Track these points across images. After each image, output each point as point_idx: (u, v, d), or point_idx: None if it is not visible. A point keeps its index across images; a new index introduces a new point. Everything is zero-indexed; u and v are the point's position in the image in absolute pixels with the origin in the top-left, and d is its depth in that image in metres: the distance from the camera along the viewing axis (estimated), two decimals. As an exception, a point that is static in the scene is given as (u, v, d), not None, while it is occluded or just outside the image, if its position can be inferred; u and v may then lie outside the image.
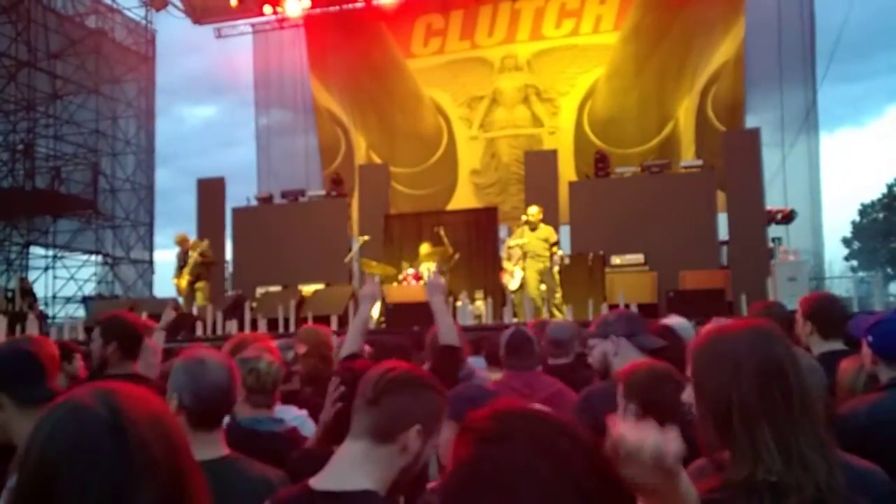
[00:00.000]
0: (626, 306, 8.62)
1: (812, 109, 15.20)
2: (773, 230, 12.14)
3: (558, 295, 9.72)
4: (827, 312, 3.08)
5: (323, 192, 13.24)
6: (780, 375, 1.40)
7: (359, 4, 17.38)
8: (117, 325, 3.03)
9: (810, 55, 15.09)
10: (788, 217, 12.83)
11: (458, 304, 9.89)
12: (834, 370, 2.54)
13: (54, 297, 18.41)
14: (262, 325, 9.16)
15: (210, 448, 1.99)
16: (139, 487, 0.88)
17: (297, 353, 3.32)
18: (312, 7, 17.43)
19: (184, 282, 10.79)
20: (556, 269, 9.84)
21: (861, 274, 30.15)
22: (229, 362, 2.13)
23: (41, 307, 15.39)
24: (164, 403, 0.99)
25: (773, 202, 12.83)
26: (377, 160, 16.50)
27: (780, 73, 15.12)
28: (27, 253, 18.02)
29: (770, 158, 13.24)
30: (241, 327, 9.45)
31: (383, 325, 9.16)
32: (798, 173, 15.11)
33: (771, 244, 11.35)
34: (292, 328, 8.88)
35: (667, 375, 2.22)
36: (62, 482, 0.87)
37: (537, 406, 0.92)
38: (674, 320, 3.39)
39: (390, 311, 9.12)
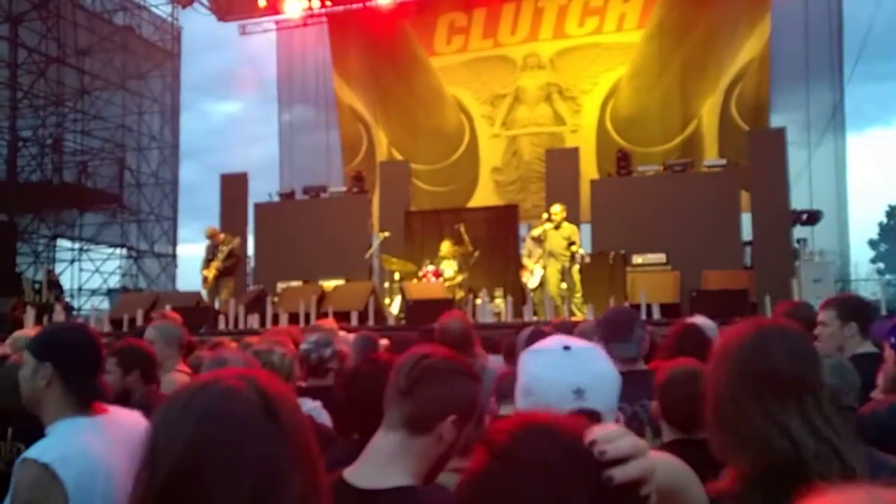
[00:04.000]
0: (648, 306, 8.59)
1: (839, 108, 14.99)
2: (798, 231, 12.01)
3: (578, 294, 9.70)
4: (869, 313, 3.07)
5: (344, 189, 13.32)
6: (776, 376, 1.40)
7: (382, 2, 17.43)
8: (135, 354, 3.06)
9: (838, 54, 14.87)
10: (814, 218, 12.69)
11: (478, 302, 9.91)
12: (873, 370, 2.52)
13: (80, 289, 18.71)
14: (284, 320, 9.22)
15: None
16: (293, 469, 0.89)
17: (336, 351, 3.31)
18: (335, 4, 17.51)
19: (210, 274, 10.86)
20: (576, 267, 9.81)
21: (888, 276, 29.69)
22: (246, 360, 2.15)
23: (67, 299, 15.63)
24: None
25: (798, 202, 12.69)
26: (399, 157, 16.55)
27: (806, 72, 14.91)
28: (54, 245, 18.31)
29: (795, 158, 13.08)
30: (262, 322, 9.53)
31: (403, 322, 9.19)
32: (824, 173, 14.91)
33: (796, 245, 11.22)
34: (313, 323, 8.93)
35: (689, 376, 2.22)
36: (220, 463, 0.86)
37: (564, 419, 0.89)
38: (699, 320, 3.38)
39: (410, 307, 9.15)
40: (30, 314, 10.25)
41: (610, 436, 0.84)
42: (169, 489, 0.87)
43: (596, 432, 0.84)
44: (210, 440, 0.87)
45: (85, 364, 2.00)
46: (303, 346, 3.16)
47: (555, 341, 1.40)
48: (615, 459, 0.82)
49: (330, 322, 4.52)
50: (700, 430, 2.20)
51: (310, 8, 17.32)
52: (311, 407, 2.74)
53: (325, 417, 2.77)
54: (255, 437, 0.88)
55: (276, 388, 0.95)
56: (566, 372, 1.32)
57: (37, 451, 1.83)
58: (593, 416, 1.27)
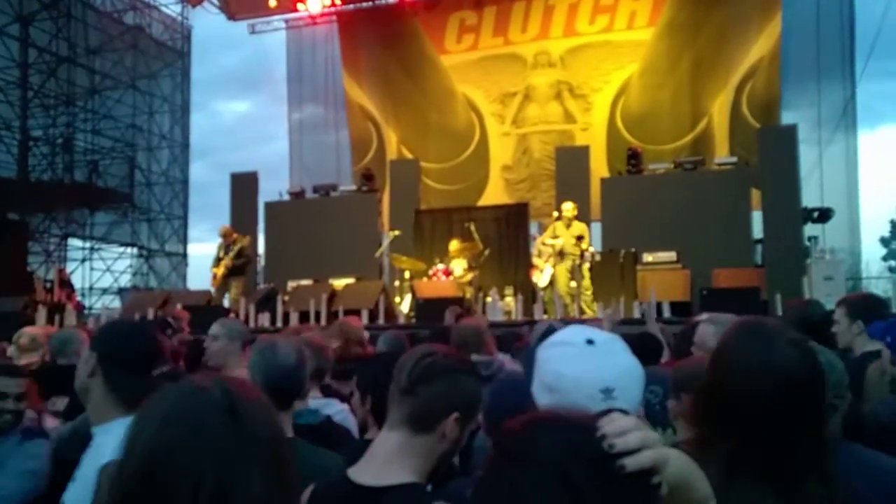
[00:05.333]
0: (659, 304, 8.57)
1: (850, 105, 14.90)
2: (809, 229, 11.95)
3: (588, 292, 9.69)
4: (876, 312, 3.05)
5: (354, 187, 13.31)
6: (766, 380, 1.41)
7: (392, 0, 17.43)
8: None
9: (849, 50, 14.80)
10: (825, 215, 12.63)
11: (489, 300, 9.91)
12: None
13: (91, 288, 18.78)
14: (294, 319, 9.25)
15: None
16: (251, 469, 0.89)
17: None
18: (345, 3, 17.54)
19: (220, 272, 10.90)
20: (586, 265, 9.80)
21: (900, 274, 29.43)
22: (300, 348, 2.17)
23: (78, 298, 15.70)
24: (259, 390, 1.01)
25: (809, 200, 12.63)
26: (408, 155, 16.57)
27: (817, 69, 14.84)
28: (65, 245, 18.38)
29: (806, 156, 13.02)
30: (272, 320, 9.56)
31: (413, 321, 9.20)
32: (835, 171, 14.83)
33: (807, 243, 11.17)
34: (324, 322, 8.95)
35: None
36: (177, 465, 0.87)
37: (571, 414, 0.89)
38: (711, 317, 3.35)
39: (420, 305, 9.16)
40: (41, 313, 10.30)
41: (620, 429, 0.85)
42: (135, 488, 0.89)
43: (606, 427, 0.85)
44: (170, 441, 0.89)
45: (130, 361, 1.95)
46: None
47: (575, 333, 1.33)
48: (625, 452, 0.83)
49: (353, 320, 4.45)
50: None
51: (333, 4, 17.37)
52: (338, 410, 2.74)
53: (351, 421, 2.76)
54: (215, 439, 0.89)
55: (245, 390, 0.96)
56: (592, 369, 1.25)
57: (115, 453, 1.83)
58: None
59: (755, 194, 11.25)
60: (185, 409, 0.91)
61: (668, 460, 0.89)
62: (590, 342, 1.28)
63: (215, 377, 0.97)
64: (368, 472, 1.48)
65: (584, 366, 1.26)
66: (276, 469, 0.92)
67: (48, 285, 13.93)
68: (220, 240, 11.30)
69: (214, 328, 3.33)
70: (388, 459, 1.48)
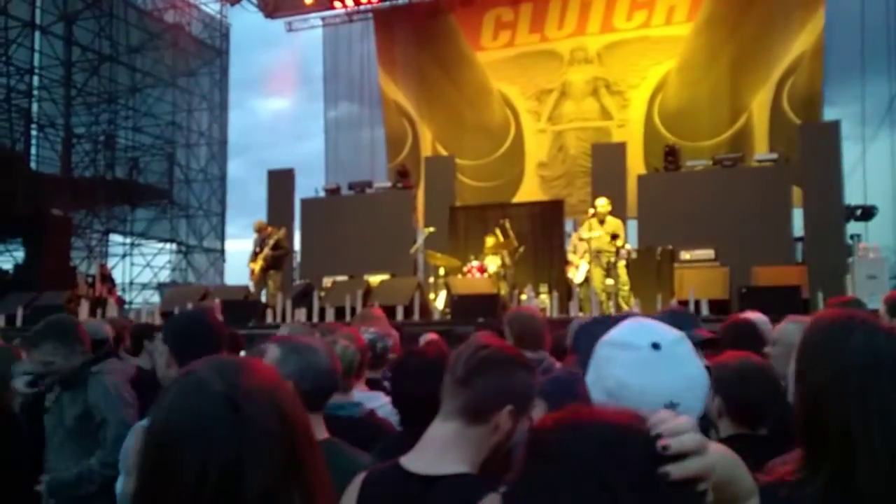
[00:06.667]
0: (696, 302, 8.46)
1: (896, 101, 14.57)
2: (852, 227, 11.73)
3: (626, 287, 9.59)
4: None
5: (389, 184, 13.37)
6: (881, 373, 1.34)
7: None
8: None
9: (895, 44, 14.45)
10: (868, 213, 12.37)
11: (524, 297, 9.87)
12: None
13: (131, 283, 19.17)
14: (330, 314, 9.32)
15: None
16: (256, 460, 0.90)
17: (396, 344, 3.30)
18: (381, 0, 17.62)
19: (257, 267, 11.03)
20: (622, 263, 9.70)
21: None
22: (331, 349, 2.20)
23: (119, 293, 16.03)
24: (280, 379, 1.00)
25: (852, 198, 12.39)
26: (443, 152, 16.58)
27: (861, 64, 14.55)
28: (107, 240, 18.78)
29: (849, 152, 12.74)
30: (309, 315, 9.65)
31: (448, 317, 9.21)
32: (879, 167, 14.53)
33: (849, 241, 10.94)
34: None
35: (756, 372, 2.19)
36: (184, 457, 0.89)
37: (609, 412, 0.85)
38: (753, 316, 3.32)
39: (455, 302, 9.16)
40: (84, 307, 10.55)
41: (675, 429, 0.80)
42: (151, 476, 0.93)
43: (661, 426, 0.80)
44: (175, 434, 0.91)
45: (197, 349, 2.06)
46: (367, 336, 3.15)
47: (639, 333, 1.26)
48: (674, 455, 0.78)
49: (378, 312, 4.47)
50: (763, 426, 2.17)
51: (369, 1, 17.48)
52: (382, 405, 2.74)
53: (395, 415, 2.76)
54: (216, 432, 0.90)
55: (255, 379, 0.95)
56: (657, 380, 1.20)
57: None
58: None
59: (796, 191, 11.06)
60: (186, 404, 0.93)
61: (715, 467, 0.84)
62: (655, 346, 1.23)
63: (220, 366, 0.96)
64: (421, 460, 1.49)
65: (649, 376, 1.21)
66: (287, 461, 0.93)
67: (90, 280, 14.27)
68: (255, 235, 11.43)
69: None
70: (441, 449, 1.49)
